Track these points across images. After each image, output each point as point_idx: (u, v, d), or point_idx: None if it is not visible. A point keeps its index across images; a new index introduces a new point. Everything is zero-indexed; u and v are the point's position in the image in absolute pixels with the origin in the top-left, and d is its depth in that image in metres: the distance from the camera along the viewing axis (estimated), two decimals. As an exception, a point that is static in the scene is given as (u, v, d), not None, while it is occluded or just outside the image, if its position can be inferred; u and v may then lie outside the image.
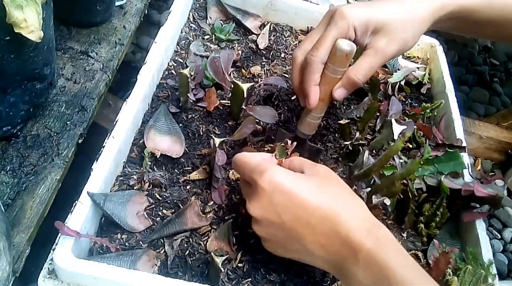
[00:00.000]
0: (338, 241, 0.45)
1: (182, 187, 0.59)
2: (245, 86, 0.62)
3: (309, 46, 0.58)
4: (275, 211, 0.47)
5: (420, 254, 0.61)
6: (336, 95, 0.58)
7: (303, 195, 0.47)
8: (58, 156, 0.66)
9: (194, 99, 0.66)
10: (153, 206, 0.57)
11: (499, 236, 1.19)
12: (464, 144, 0.69)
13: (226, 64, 0.67)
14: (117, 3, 0.91)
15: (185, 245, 0.54)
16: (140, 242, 0.54)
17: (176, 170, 0.61)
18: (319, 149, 0.66)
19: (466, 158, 0.68)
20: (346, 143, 0.67)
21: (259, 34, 0.83)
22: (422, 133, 0.72)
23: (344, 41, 0.56)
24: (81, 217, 0.50)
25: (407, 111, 0.78)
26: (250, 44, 0.81)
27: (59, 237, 0.48)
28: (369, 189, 0.59)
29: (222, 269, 0.50)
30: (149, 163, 0.60)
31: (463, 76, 1.58)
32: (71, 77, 0.77)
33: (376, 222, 0.47)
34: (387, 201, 0.57)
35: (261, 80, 0.74)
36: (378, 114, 0.73)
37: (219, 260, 0.49)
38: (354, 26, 0.57)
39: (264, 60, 0.80)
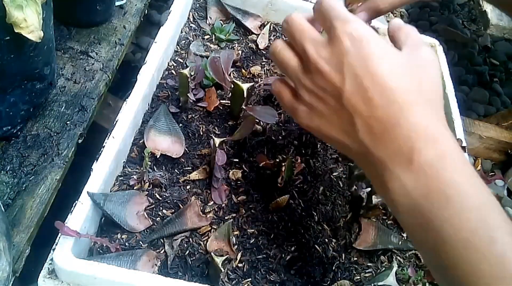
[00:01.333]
0: (392, 136, 0.37)
1: (182, 187, 0.59)
2: (245, 86, 0.62)
3: None
4: (341, 71, 0.38)
5: (420, 254, 0.61)
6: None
7: (382, 68, 0.37)
8: (58, 156, 0.66)
9: (194, 99, 0.66)
10: (153, 206, 0.57)
11: (499, 236, 1.19)
12: (464, 144, 0.69)
13: (226, 64, 0.67)
14: (117, 3, 0.91)
15: (185, 245, 0.54)
16: (140, 242, 0.54)
17: (176, 170, 0.61)
18: None
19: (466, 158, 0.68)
20: (346, 143, 0.67)
21: (259, 34, 0.83)
22: (422, 133, 0.72)
23: None
24: (81, 217, 0.50)
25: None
26: (250, 44, 0.81)
27: (59, 237, 0.48)
28: (369, 189, 0.59)
29: (222, 269, 0.50)
30: (149, 163, 0.60)
31: (463, 76, 1.58)
32: (71, 77, 0.77)
33: (448, 133, 0.39)
34: (387, 201, 0.57)
35: (261, 80, 0.74)
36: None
37: (219, 260, 0.49)
38: None
39: (264, 60, 0.80)
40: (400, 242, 0.61)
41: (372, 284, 0.56)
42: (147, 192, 0.58)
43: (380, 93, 0.37)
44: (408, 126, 0.36)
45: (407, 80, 0.38)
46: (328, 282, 0.56)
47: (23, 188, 0.62)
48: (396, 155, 0.36)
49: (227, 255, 0.52)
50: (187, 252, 0.54)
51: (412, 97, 0.37)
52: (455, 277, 0.34)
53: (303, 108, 0.42)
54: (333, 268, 0.57)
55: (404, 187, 0.36)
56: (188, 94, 0.65)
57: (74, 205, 0.50)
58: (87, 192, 0.51)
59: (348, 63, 0.38)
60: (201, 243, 0.55)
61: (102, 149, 0.55)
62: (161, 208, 0.57)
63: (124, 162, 0.60)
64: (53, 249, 0.48)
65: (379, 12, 0.53)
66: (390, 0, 0.53)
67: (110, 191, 0.57)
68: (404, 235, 0.62)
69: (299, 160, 0.64)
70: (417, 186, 0.35)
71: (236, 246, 0.55)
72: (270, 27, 0.85)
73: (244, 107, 0.65)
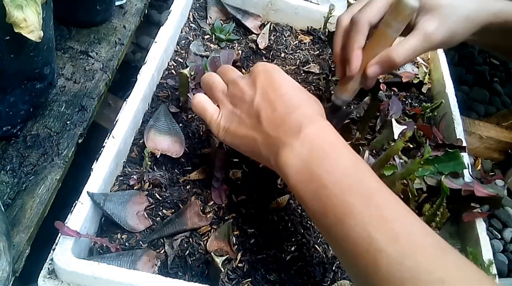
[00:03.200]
0: (287, 123, 0.47)
1: (182, 187, 0.59)
2: (245, 86, 0.62)
3: (358, 8, 0.55)
4: (254, 86, 0.51)
5: (420, 254, 0.61)
6: (370, 72, 0.55)
7: (283, 86, 0.50)
8: (58, 156, 0.66)
9: (194, 99, 0.66)
10: (153, 206, 0.57)
11: (499, 236, 1.19)
12: (464, 144, 0.69)
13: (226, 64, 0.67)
14: (117, 3, 0.91)
15: (185, 245, 0.54)
16: (140, 242, 0.54)
17: (176, 170, 0.61)
18: (348, 111, 0.64)
19: (466, 158, 0.68)
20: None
21: (259, 34, 0.83)
22: (422, 133, 0.72)
23: None
24: (81, 217, 0.50)
25: (407, 111, 0.78)
26: (250, 44, 0.81)
27: (59, 237, 0.48)
28: (369, 189, 0.59)
29: (222, 269, 0.50)
30: (149, 163, 0.60)
31: (463, 76, 1.58)
32: (71, 77, 0.77)
33: (324, 119, 0.49)
34: (387, 201, 0.57)
35: (261, 80, 0.74)
36: (378, 114, 0.73)
37: (219, 260, 0.49)
38: None
39: (264, 60, 0.80)
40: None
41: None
42: (147, 192, 0.58)
43: (280, 98, 0.49)
44: (297, 115, 0.47)
45: (303, 96, 0.50)
46: (328, 282, 0.56)
47: (23, 188, 0.62)
48: (289, 131, 0.46)
49: (227, 255, 0.52)
50: (187, 252, 0.54)
51: (299, 101, 0.49)
52: (332, 219, 0.42)
53: (226, 112, 0.53)
54: (333, 268, 0.57)
55: (294, 150, 0.45)
56: (188, 94, 0.65)
57: (74, 205, 0.50)
58: (87, 192, 0.51)
59: (259, 81, 0.51)
60: (201, 243, 0.55)
61: (102, 149, 0.55)
62: (161, 208, 0.57)
63: (124, 162, 0.60)
64: (53, 249, 0.48)
65: (394, 66, 0.54)
66: (405, 54, 0.54)
67: (110, 191, 0.57)
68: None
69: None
70: (303, 149, 0.45)
71: (236, 246, 0.55)
72: (270, 27, 0.85)
73: (244, 107, 0.65)
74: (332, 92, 0.60)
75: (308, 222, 0.60)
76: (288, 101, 0.48)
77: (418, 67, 0.86)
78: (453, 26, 0.54)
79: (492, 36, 0.60)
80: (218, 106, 0.54)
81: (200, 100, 0.55)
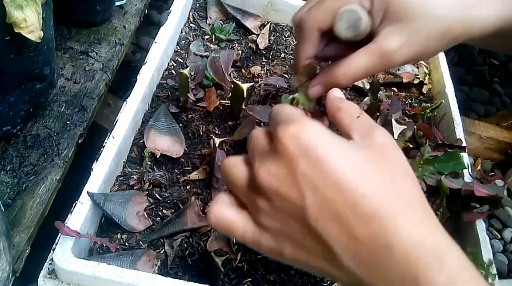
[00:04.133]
0: (388, 263, 0.28)
1: (182, 187, 0.59)
2: (245, 86, 0.62)
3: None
4: (295, 184, 0.30)
5: (420, 254, 0.61)
6: (312, 93, 0.43)
7: (344, 171, 0.29)
8: (58, 156, 0.66)
9: (194, 99, 0.66)
10: (153, 206, 0.57)
11: (499, 236, 1.19)
12: (464, 144, 0.69)
13: (226, 64, 0.67)
14: (117, 3, 0.91)
15: (185, 245, 0.54)
16: (140, 242, 0.54)
17: (176, 170, 0.61)
18: None
19: (466, 158, 0.68)
20: (346, 143, 0.67)
21: (259, 34, 0.83)
22: (422, 133, 0.72)
23: (347, 14, 0.38)
24: (81, 217, 0.50)
25: (407, 111, 0.78)
26: (250, 44, 0.81)
27: (59, 237, 0.48)
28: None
29: (222, 269, 0.50)
30: (149, 163, 0.60)
31: (463, 76, 1.58)
32: (71, 77, 0.77)
33: (448, 238, 0.30)
34: (387, 201, 0.57)
35: (261, 80, 0.74)
36: (378, 114, 0.73)
37: (219, 260, 0.49)
38: None
39: (264, 60, 0.80)
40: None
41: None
42: (147, 192, 0.58)
43: (352, 206, 0.29)
44: (401, 245, 0.28)
45: (378, 181, 0.30)
46: (328, 282, 0.56)
47: (23, 188, 0.62)
48: (397, 282, 0.29)
49: (227, 255, 0.52)
50: (187, 252, 0.54)
51: (391, 203, 0.29)
52: None
53: (267, 235, 0.33)
54: (333, 268, 0.57)
55: None
56: (188, 94, 0.65)
57: (74, 205, 0.50)
58: (87, 192, 0.51)
59: (301, 172, 0.30)
60: (201, 243, 0.55)
61: (102, 149, 0.55)
62: (161, 208, 0.57)
63: (124, 162, 0.60)
64: (53, 249, 0.48)
65: (338, 86, 0.40)
66: (353, 75, 0.42)
67: (110, 191, 0.57)
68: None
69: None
70: None
71: (236, 246, 0.55)
72: (270, 27, 0.85)
73: (244, 107, 0.65)
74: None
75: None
76: (369, 205, 0.29)
77: (418, 67, 0.86)
78: (423, 44, 0.41)
79: (485, 42, 0.47)
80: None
81: (218, 218, 0.34)
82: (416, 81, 0.83)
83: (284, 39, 0.85)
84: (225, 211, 0.34)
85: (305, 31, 0.43)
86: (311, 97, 0.44)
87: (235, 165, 0.35)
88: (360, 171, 0.30)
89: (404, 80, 0.82)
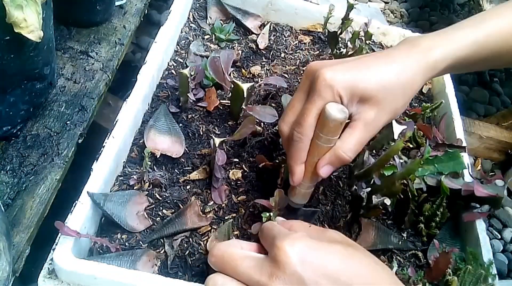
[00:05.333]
0: None
1: (182, 187, 0.59)
2: (245, 86, 0.62)
3: (293, 118, 0.52)
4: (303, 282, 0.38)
5: (420, 254, 0.61)
6: (322, 173, 0.51)
7: (336, 265, 0.40)
8: (58, 156, 0.66)
9: (194, 99, 0.66)
10: (153, 206, 0.57)
11: (499, 236, 1.19)
12: (464, 144, 0.69)
13: (226, 64, 0.67)
14: (117, 3, 0.91)
15: (185, 245, 0.54)
16: (140, 242, 0.54)
17: (176, 170, 0.61)
18: (314, 210, 0.59)
19: (466, 158, 0.68)
20: (346, 143, 0.67)
21: (259, 34, 0.83)
22: (422, 133, 0.72)
23: (333, 106, 0.48)
24: (81, 217, 0.50)
25: (407, 111, 0.78)
26: (250, 44, 0.81)
27: (59, 237, 0.48)
28: (369, 189, 0.59)
29: (222, 269, 0.50)
30: (149, 163, 0.60)
31: (463, 76, 1.58)
32: (71, 77, 0.77)
33: None
34: (387, 201, 0.57)
35: (261, 80, 0.74)
36: (378, 114, 0.73)
37: (219, 260, 0.49)
38: (340, 95, 0.49)
39: (264, 60, 0.80)
40: (400, 242, 0.61)
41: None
42: (147, 192, 0.58)
43: None
44: None
45: (357, 265, 0.41)
46: None
47: (23, 188, 0.62)
48: None
49: (227, 255, 0.52)
50: (187, 252, 0.54)
51: (370, 279, 0.40)
52: None
53: None
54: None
55: None
56: (188, 94, 0.65)
57: (74, 205, 0.50)
58: (87, 192, 0.51)
59: (308, 278, 0.38)
60: (201, 243, 0.55)
61: (102, 149, 0.55)
62: (161, 208, 0.57)
63: (124, 162, 0.60)
64: (53, 249, 0.48)
65: (345, 162, 0.50)
66: (353, 149, 0.50)
67: (110, 191, 0.57)
68: (404, 235, 0.62)
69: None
70: None
71: (236, 246, 0.55)
72: (270, 27, 0.85)
73: (244, 107, 0.65)
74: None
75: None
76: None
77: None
78: (392, 106, 0.51)
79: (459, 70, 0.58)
80: None
81: None
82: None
83: (284, 39, 0.85)
84: None
85: (300, 144, 0.50)
86: (325, 176, 0.51)
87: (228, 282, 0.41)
88: (346, 261, 0.40)
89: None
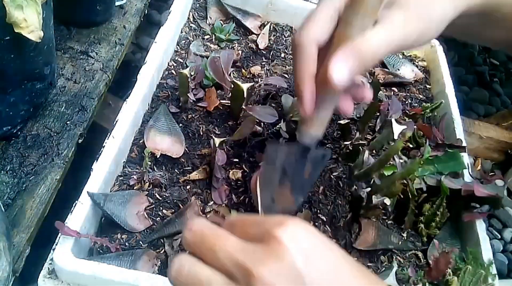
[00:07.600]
0: None
1: (182, 187, 0.59)
2: (245, 86, 0.62)
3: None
4: (302, 281, 0.29)
5: (420, 254, 0.61)
6: (334, 76, 0.39)
7: (348, 267, 0.32)
8: (58, 156, 0.66)
9: (194, 99, 0.66)
10: (153, 206, 0.57)
11: (499, 236, 1.19)
12: (464, 144, 0.69)
13: (226, 64, 0.67)
14: (117, 3, 0.91)
15: (185, 245, 0.54)
16: (140, 242, 0.54)
17: (176, 170, 0.61)
18: (325, 154, 0.48)
19: (466, 158, 0.68)
20: (346, 143, 0.67)
21: (259, 34, 0.83)
22: (422, 133, 0.72)
23: None
24: (81, 217, 0.50)
25: (407, 111, 0.78)
26: (250, 44, 0.81)
27: (59, 237, 0.48)
28: (369, 189, 0.59)
29: (222, 269, 0.50)
30: (149, 163, 0.60)
31: (463, 76, 1.58)
32: (71, 77, 0.77)
33: None
34: (387, 201, 0.57)
35: (261, 80, 0.74)
36: (378, 114, 0.73)
37: (219, 260, 0.49)
38: None
39: (264, 60, 0.80)
40: (400, 242, 0.61)
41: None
42: (147, 192, 0.58)
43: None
44: None
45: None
46: None
47: (23, 188, 0.62)
48: None
49: (227, 255, 0.52)
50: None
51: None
52: None
53: None
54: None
55: None
56: (188, 94, 0.65)
57: (74, 205, 0.50)
58: (87, 192, 0.51)
59: (309, 278, 0.29)
60: (201, 243, 0.55)
61: (102, 149, 0.55)
62: (161, 208, 0.57)
63: (124, 162, 0.60)
64: (53, 249, 0.48)
65: (364, 63, 0.40)
66: (378, 47, 0.41)
67: (110, 191, 0.57)
68: (404, 235, 0.62)
69: (299, 160, 0.64)
70: None
71: (236, 246, 0.55)
72: (270, 27, 0.85)
73: (244, 107, 0.65)
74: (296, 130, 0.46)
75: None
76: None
77: (418, 67, 0.86)
78: (423, 12, 0.43)
79: (459, 25, 0.49)
80: None
81: None
82: (416, 81, 0.84)
83: (284, 39, 0.85)
84: None
85: (303, 49, 0.42)
86: (337, 83, 0.39)
87: (197, 266, 0.33)
88: (354, 265, 0.32)
89: (404, 80, 0.82)
